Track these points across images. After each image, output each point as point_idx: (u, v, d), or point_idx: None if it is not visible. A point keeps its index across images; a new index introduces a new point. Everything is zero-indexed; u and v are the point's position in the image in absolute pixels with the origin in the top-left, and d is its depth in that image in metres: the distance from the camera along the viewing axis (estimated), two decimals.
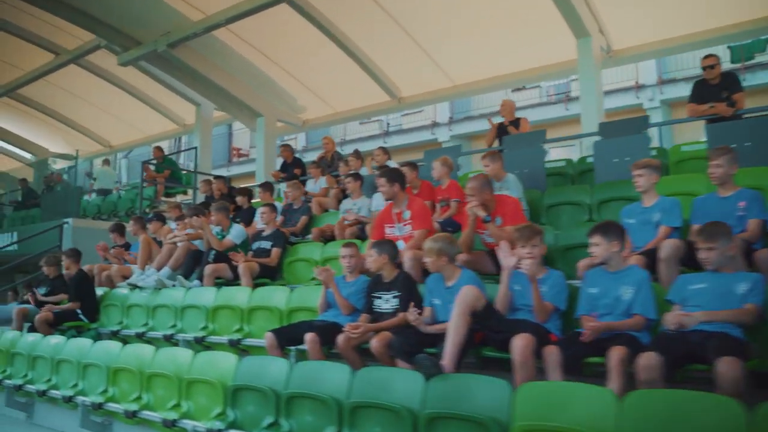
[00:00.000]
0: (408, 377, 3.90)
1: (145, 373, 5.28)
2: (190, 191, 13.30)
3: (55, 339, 6.78)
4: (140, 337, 6.89)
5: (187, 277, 7.35)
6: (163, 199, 12.92)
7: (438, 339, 4.23)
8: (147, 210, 12.11)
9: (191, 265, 7.54)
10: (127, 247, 9.12)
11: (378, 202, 7.72)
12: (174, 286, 7.31)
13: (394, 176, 5.95)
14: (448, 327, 4.00)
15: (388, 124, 21.34)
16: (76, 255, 8.12)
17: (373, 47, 10.99)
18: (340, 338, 4.61)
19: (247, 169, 23.60)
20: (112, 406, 5.39)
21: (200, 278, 7.23)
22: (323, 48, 11.01)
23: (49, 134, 18.81)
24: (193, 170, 13.03)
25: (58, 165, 19.36)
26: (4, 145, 19.77)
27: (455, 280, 4.49)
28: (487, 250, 5.35)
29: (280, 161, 12.39)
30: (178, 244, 7.77)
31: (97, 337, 7.33)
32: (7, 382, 6.85)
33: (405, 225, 5.86)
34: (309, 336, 4.66)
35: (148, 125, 16.73)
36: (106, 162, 17.79)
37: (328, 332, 4.78)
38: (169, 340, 6.54)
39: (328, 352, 4.77)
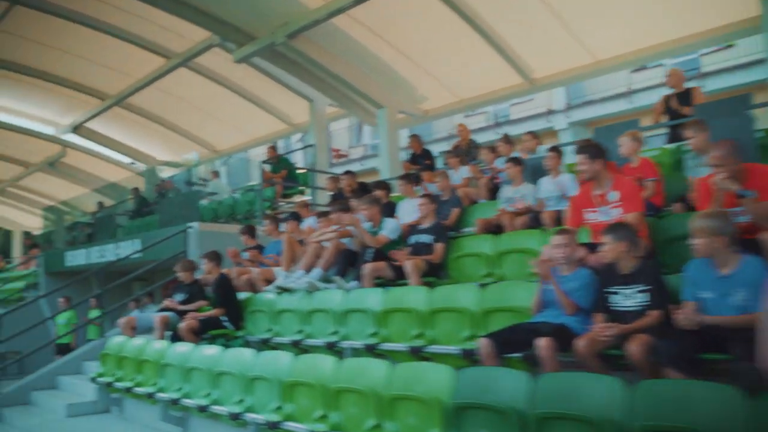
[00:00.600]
0: (713, 392, 2.99)
1: (330, 388, 4.56)
2: (306, 190, 12.81)
3: (211, 349, 6.20)
4: (296, 345, 6.25)
5: (341, 277, 6.67)
6: (280, 200, 12.43)
7: (727, 342, 3.33)
8: (268, 211, 11.65)
9: (344, 264, 6.86)
10: (259, 249, 8.60)
11: (547, 187, 6.90)
12: (327, 288, 6.64)
13: (597, 152, 5.05)
14: (761, 326, 3.08)
15: (496, 115, 20.37)
16: (217, 258, 7.60)
17: (503, 21, 10.07)
18: (581, 343, 3.76)
19: (348, 170, 23.07)
20: (291, 425, 4.70)
21: (358, 279, 6.55)
22: (447, 26, 10.20)
23: (155, 141, 18.80)
24: (310, 169, 12.46)
25: (165, 172, 19.43)
26: (115, 155, 19.94)
27: (734, 267, 3.58)
28: None
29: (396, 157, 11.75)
30: (324, 243, 7.15)
31: (245, 345, 6.77)
32: (160, 395, 6.34)
33: (613, 208, 4.96)
34: (544, 341, 3.82)
35: (255, 127, 16.38)
36: (215, 174, 17.64)
37: (560, 336, 3.94)
38: (332, 349, 5.87)
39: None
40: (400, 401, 4.10)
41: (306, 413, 4.70)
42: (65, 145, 19.39)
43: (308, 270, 6.97)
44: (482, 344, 4.12)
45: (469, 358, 4.76)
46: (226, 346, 6.43)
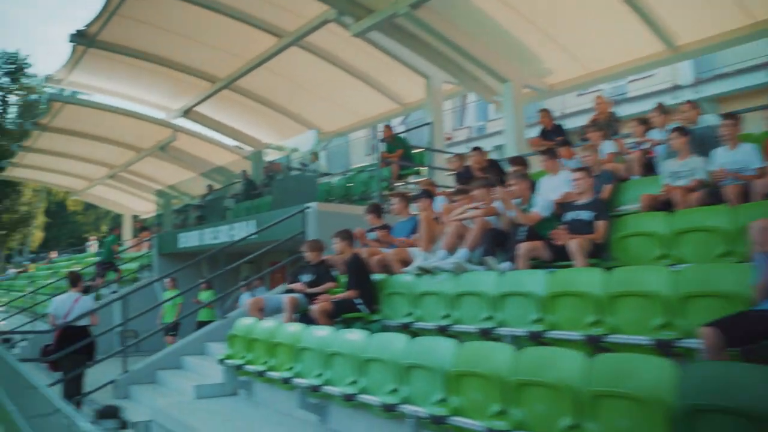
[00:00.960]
0: None
1: (509, 381, 4.01)
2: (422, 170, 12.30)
3: (354, 334, 5.77)
4: (443, 331, 5.73)
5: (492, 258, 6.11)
6: (397, 181, 11.97)
7: None
8: (384, 192, 11.23)
9: (491, 244, 6.28)
10: (386, 228, 8.15)
11: (724, 159, 6.08)
12: (477, 270, 6.09)
13: None
14: None
15: (611, 93, 19.16)
16: (349, 237, 7.18)
17: None
18: None
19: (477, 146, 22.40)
20: (461, 421, 4.17)
21: (510, 260, 5.96)
22: None
23: (261, 124, 18.73)
24: (428, 148, 11.93)
25: (270, 156, 19.42)
26: (221, 138, 20.07)
27: None
28: None
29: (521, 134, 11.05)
30: (467, 222, 6.60)
31: (383, 329, 6.33)
32: (298, 380, 5.97)
33: None
34: None
35: (363, 108, 16.00)
36: (315, 156, 17.45)
37: None
38: (487, 335, 5.31)
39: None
40: (603, 399, 3.49)
41: (479, 408, 4.15)
42: (176, 129, 19.65)
43: (450, 250, 6.45)
44: (707, 334, 3.46)
45: (665, 349, 4.11)
46: (371, 331, 5.98)
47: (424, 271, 6.43)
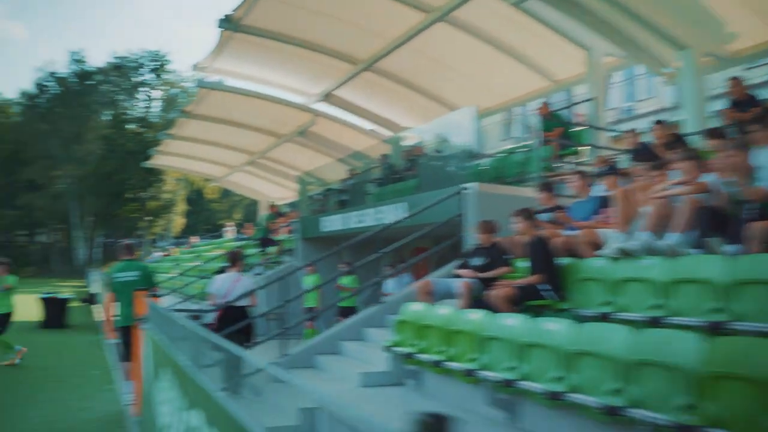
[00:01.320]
0: None
1: None
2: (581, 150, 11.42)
3: (554, 324, 5.14)
4: (654, 323, 4.99)
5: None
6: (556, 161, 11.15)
7: None
8: (544, 172, 10.46)
9: (708, 224, 5.44)
10: (560, 209, 7.47)
11: None
12: (694, 253, 5.29)
13: None
14: None
15: None
16: (531, 217, 6.54)
17: None
18: None
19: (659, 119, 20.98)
20: None
21: (736, 242, 5.11)
22: None
23: (400, 106, 18.35)
24: (593, 125, 11.02)
25: (408, 140, 18.98)
26: (358, 122, 19.91)
27: None
28: None
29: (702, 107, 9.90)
30: (671, 200, 5.79)
31: (576, 319, 5.64)
32: (485, 373, 5.43)
33: None
34: None
35: (510, 86, 15.20)
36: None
37: None
38: (717, 330, 4.51)
39: None
40: None
41: (743, 418, 3.41)
42: (315, 113, 19.65)
43: (654, 231, 5.66)
44: None
45: None
46: (569, 320, 5.33)
47: (625, 254, 5.69)
